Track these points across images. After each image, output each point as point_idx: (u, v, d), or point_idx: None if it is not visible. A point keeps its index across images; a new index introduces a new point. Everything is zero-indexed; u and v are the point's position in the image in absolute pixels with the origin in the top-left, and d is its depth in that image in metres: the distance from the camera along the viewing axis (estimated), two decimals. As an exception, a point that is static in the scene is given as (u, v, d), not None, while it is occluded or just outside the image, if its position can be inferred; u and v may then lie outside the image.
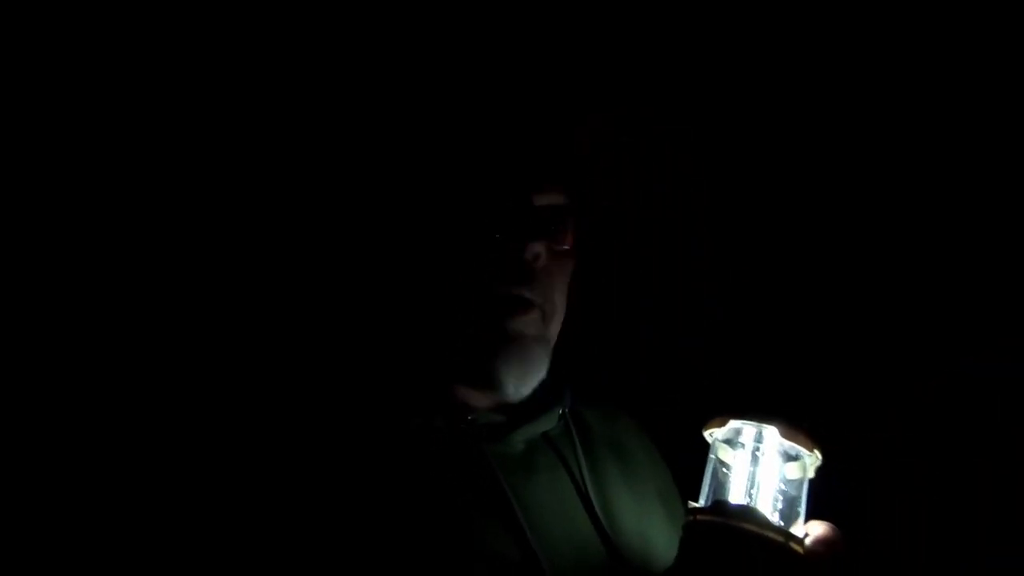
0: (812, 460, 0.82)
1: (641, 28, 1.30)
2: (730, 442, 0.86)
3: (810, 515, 0.81)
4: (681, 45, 1.31)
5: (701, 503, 0.84)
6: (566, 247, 0.92)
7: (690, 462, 0.90)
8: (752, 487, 0.82)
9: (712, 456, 0.86)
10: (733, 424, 0.84)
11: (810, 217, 1.30)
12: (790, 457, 0.83)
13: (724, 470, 0.85)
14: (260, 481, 0.80)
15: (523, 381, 0.89)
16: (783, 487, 0.82)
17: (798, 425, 0.82)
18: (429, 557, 0.80)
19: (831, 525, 0.79)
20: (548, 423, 0.94)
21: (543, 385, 0.94)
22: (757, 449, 0.83)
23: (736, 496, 0.83)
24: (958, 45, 1.29)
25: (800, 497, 0.82)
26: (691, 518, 0.80)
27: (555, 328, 0.93)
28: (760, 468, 0.83)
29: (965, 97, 1.29)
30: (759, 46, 1.33)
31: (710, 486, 0.85)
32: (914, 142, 1.31)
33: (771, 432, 0.83)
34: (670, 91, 1.32)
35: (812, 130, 1.32)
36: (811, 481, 0.83)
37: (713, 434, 0.86)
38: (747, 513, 0.78)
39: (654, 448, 1.05)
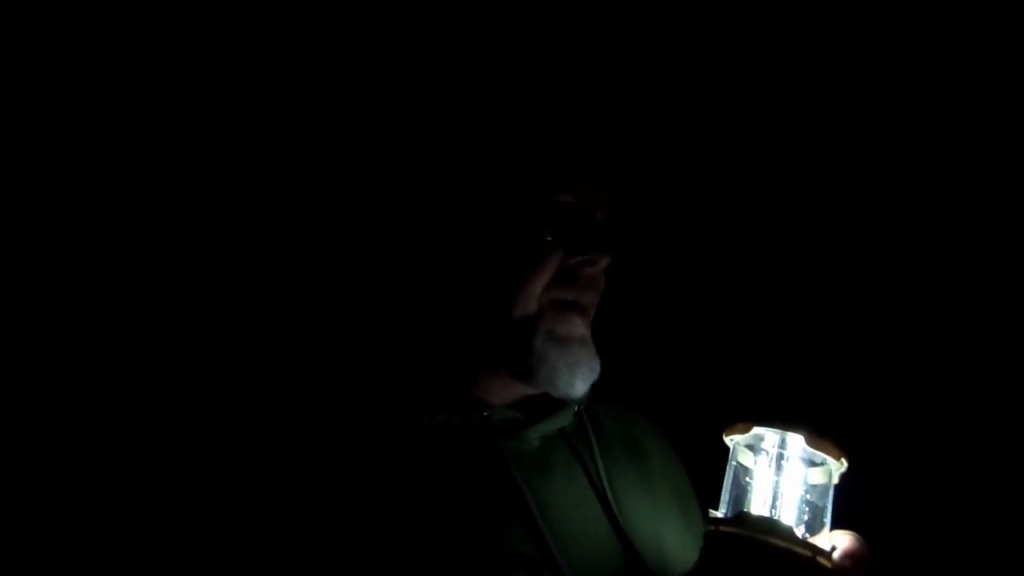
0: (837, 467, 0.80)
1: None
2: (751, 447, 0.83)
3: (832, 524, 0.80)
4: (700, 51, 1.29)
5: (722, 510, 0.82)
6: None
7: (706, 461, 0.89)
8: (776, 496, 0.80)
9: (733, 462, 0.84)
10: (756, 430, 0.81)
11: (831, 216, 1.28)
12: (814, 463, 0.81)
13: (746, 477, 0.82)
14: (277, 480, 0.79)
15: (590, 380, 0.90)
16: (808, 496, 0.80)
17: (825, 432, 0.79)
18: (445, 554, 0.79)
19: (857, 536, 0.77)
20: (564, 420, 0.93)
21: None
22: (781, 456, 0.81)
23: (759, 504, 0.80)
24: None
25: (826, 507, 0.79)
26: (713, 528, 0.77)
27: None
28: (784, 476, 0.80)
29: (965, 97, 1.27)
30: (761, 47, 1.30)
31: (731, 492, 0.83)
32: (915, 143, 1.29)
33: (796, 439, 0.80)
34: (675, 93, 1.30)
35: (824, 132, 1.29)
36: (836, 487, 0.81)
37: (734, 439, 0.83)
38: (772, 526, 0.75)
39: (669, 447, 1.03)
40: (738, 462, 0.83)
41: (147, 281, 1.12)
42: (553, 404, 0.91)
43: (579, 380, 0.89)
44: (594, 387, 0.95)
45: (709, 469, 0.87)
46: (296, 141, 1.19)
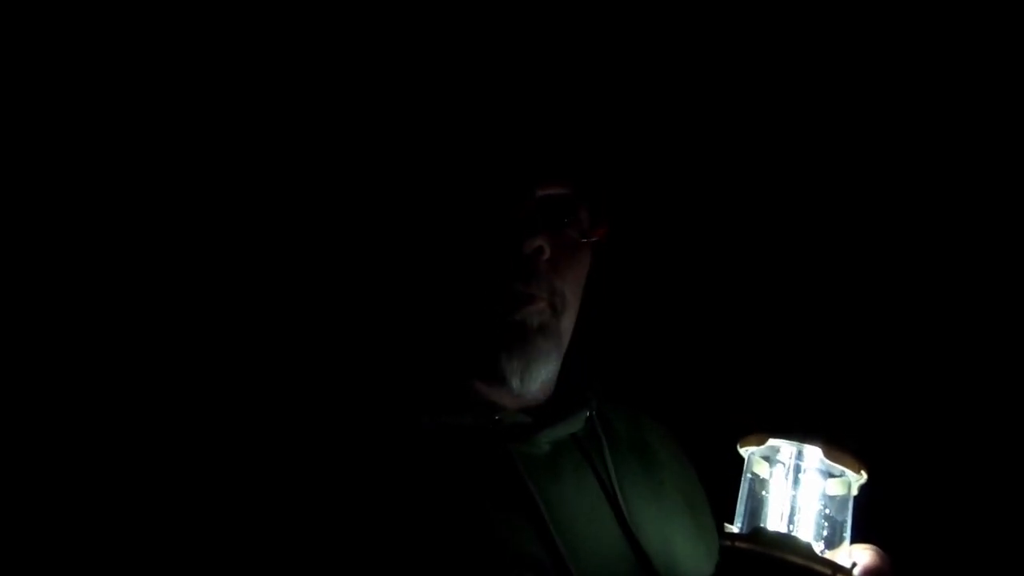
0: (856, 479, 0.77)
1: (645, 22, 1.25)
2: (767, 459, 0.81)
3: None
4: (683, 41, 1.26)
5: (737, 524, 0.80)
6: (579, 239, 0.89)
7: (720, 470, 0.86)
8: (793, 509, 0.77)
9: (748, 474, 0.81)
10: (772, 442, 0.79)
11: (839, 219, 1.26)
12: (832, 475, 0.78)
13: (762, 490, 0.80)
14: (283, 483, 0.78)
15: (527, 374, 0.86)
16: (826, 509, 0.77)
17: (843, 443, 0.76)
18: (454, 557, 0.77)
19: (878, 550, 0.74)
20: (575, 425, 0.91)
21: (570, 387, 0.92)
22: (798, 468, 0.78)
23: (775, 518, 0.78)
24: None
25: (845, 520, 0.77)
26: (728, 544, 0.75)
27: (568, 321, 0.90)
28: (801, 488, 0.78)
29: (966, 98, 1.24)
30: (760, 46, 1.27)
31: (746, 505, 0.80)
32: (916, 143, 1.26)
33: (813, 451, 0.77)
34: (673, 88, 1.27)
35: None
36: (855, 499, 0.78)
37: (749, 450, 0.81)
38: (789, 542, 0.73)
39: (682, 453, 1.02)
40: (753, 474, 0.81)
41: (142, 281, 1.11)
42: (564, 409, 0.90)
43: (515, 374, 0.85)
44: (606, 391, 0.93)
45: (723, 478, 0.85)
46: (282, 143, 1.18)
